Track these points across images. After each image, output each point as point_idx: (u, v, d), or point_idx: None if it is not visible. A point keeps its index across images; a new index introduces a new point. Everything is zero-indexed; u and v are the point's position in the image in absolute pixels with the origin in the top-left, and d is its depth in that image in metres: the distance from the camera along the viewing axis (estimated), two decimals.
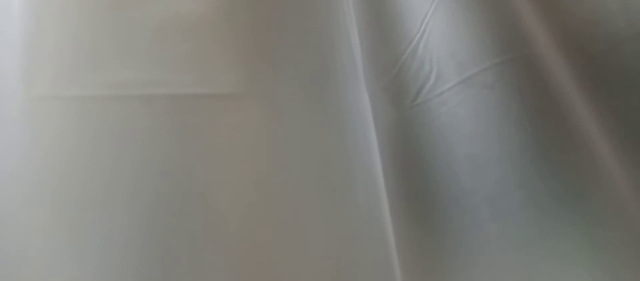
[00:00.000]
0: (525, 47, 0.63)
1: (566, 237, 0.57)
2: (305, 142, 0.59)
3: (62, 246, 0.48)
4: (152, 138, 0.52)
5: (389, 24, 0.68)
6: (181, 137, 0.53)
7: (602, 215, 0.58)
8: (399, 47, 0.66)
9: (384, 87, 0.67)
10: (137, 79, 0.53)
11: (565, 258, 0.56)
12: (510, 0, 0.65)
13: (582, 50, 0.67)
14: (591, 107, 0.64)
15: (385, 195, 0.64)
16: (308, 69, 0.61)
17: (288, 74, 0.60)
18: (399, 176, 0.65)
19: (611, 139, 0.63)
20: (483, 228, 0.60)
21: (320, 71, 0.63)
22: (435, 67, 0.64)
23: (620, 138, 0.63)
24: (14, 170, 0.50)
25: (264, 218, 0.53)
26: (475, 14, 0.63)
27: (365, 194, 0.62)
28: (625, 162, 0.62)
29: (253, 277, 0.51)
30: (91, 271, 0.48)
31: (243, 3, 0.59)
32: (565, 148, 0.60)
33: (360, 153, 0.64)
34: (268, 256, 0.53)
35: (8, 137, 0.51)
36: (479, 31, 0.63)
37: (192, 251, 0.50)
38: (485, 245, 0.59)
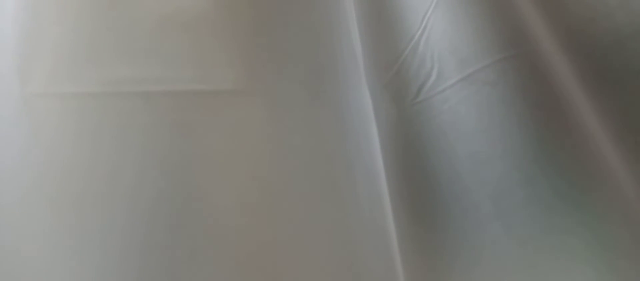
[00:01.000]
0: (527, 44, 0.63)
1: (569, 234, 0.56)
2: (306, 139, 0.58)
3: (62, 245, 0.48)
4: (151, 135, 0.51)
5: (390, 21, 0.67)
6: (181, 133, 0.52)
7: (605, 212, 0.58)
8: (400, 44, 0.66)
9: (385, 84, 0.67)
10: (136, 76, 0.53)
11: (568, 256, 0.56)
12: None
13: (583, 47, 0.67)
14: (593, 103, 0.64)
15: (387, 193, 0.64)
16: (309, 66, 0.61)
17: (289, 71, 0.59)
18: (400, 174, 0.65)
19: (614, 136, 0.63)
20: (486, 225, 0.59)
21: (321, 68, 0.62)
22: (436, 64, 0.64)
23: (623, 135, 0.63)
24: (12, 168, 0.49)
25: (264, 215, 0.53)
26: (476, 11, 0.63)
27: (366, 192, 0.62)
28: (628, 159, 0.62)
29: (253, 274, 0.51)
30: (91, 269, 0.47)
31: None
32: (568, 145, 0.59)
33: (362, 151, 0.64)
34: (268, 253, 0.52)
35: (4, 134, 0.50)
36: (481, 28, 0.63)
37: (192, 248, 0.49)
38: (488, 243, 0.59)
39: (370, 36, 0.69)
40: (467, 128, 0.62)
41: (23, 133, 0.50)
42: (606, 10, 0.67)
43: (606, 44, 0.67)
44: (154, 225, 0.49)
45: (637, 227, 0.57)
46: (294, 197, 0.55)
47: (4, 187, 0.49)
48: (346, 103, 0.64)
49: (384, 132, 0.66)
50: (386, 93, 0.67)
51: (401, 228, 0.63)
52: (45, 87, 0.51)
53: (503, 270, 0.58)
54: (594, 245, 0.56)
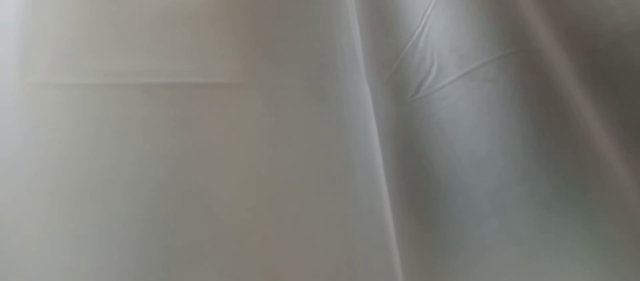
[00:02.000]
0: (527, 41, 0.63)
1: (568, 232, 0.56)
2: (305, 134, 0.58)
3: (62, 236, 0.48)
4: (151, 126, 0.51)
5: (390, 18, 0.67)
6: (180, 126, 0.52)
7: (604, 210, 0.58)
8: (400, 41, 0.66)
9: (385, 81, 0.67)
10: (136, 68, 0.53)
11: (566, 253, 0.56)
12: None
13: (583, 45, 0.67)
14: (593, 101, 0.64)
15: (386, 189, 0.64)
16: (308, 61, 0.61)
17: (288, 65, 0.59)
18: (399, 170, 0.65)
19: (613, 133, 0.63)
20: (484, 222, 0.59)
21: (320, 63, 0.62)
22: (436, 60, 0.64)
23: (622, 133, 0.63)
24: (12, 159, 0.49)
25: (262, 209, 0.53)
26: (476, 8, 0.63)
27: (365, 188, 0.62)
28: (627, 157, 0.62)
29: (252, 267, 0.50)
30: (91, 261, 0.47)
31: None
32: (567, 143, 0.59)
33: (361, 147, 0.64)
34: (267, 247, 0.52)
35: (6, 124, 0.50)
36: (481, 25, 0.63)
37: (191, 240, 0.49)
38: (486, 240, 0.59)
39: (371, 32, 0.69)
40: (467, 125, 0.62)
41: (24, 123, 0.50)
42: (607, 8, 0.67)
43: (606, 42, 0.66)
44: (153, 216, 0.49)
45: (635, 226, 0.57)
46: (292, 191, 0.55)
47: (5, 178, 0.49)
48: (346, 99, 0.64)
49: (384, 128, 0.66)
50: (386, 89, 0.67)
51: (400, 224, 0.63)
52: (46, 78, 0.51)
53: (500, 267, 0.58)
54: (591, 243, 0.56)
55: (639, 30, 0.65)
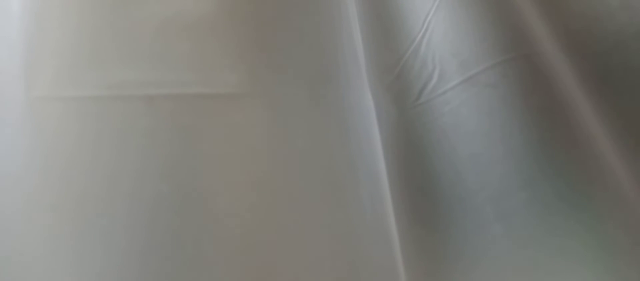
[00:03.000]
0: (528, 46, 0.63)
1: (570, 236, 0.57)
2: (308, 142, 0.58)
3: (63, 247, 0.48)
4: (153, 138, 0.51)
5: (391, 23, 0.67)
6: (183, 137, 0.52)
7: (606, 214, 0.58)
8: (401, 46, 0.66)
9: (386, 86, 0.67)
10: (138, 79, 0.53)
11: (569, 257, 0.56)
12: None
13: (584, 48, 0.67)
14: (594, 105, 0.64)
15: (389, 195, 0.64)
16: (310, 69, 0.61)
17: (290, 74, 0.59)
18: (402, 176, 0.65)
19: (615, 137, 0.63)
20: (487, 227, 0.59)
21: (322, 71, 0.62)
22: (437, 66, 0.64)
23: (624, 136, 0.63)
24: (15, 172, 0.49)
25: (265, 218, 0.53)
26: (477, 13, 0.63)
27: (368, 194, 0.62)
28: (629, 160, 0.62)
29: (255, 277, 0.51)
30: (92, 271, 0.47)
31: (245, 2, 0.59)
32: (569, 147, 0.59)
33: (363, 153, 0.64)
34: (270, 257, 0.52)
35: (9, 137, 0.50)
36: (482, 30, 0.63)
37: (193, 251, 0.49)
38: (489, 245, 0.59)
39: (372, 38, 0.69)
40: (468, 130, 0.62)
41: (27, 136, 0.50)
42: (607, 11, 0.67)
43: (607, 45, 0.67)
44: (155, 228, 0.49)
45: (638, 229, 0.57)
46: (295, 200, 0.55)
47: (7, 189, 0.49)
48: (348, 106, 0.64)
49: (386, 133, 0.66)
50: (388, 95, 0.67)
51: (403, 230, 0.63)
52: (49, 91, 0.51)
53: (504, 271, 0.58)
54: (594, 246, 0.56)
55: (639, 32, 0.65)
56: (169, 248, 0.49)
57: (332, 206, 0.58)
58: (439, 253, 0.61)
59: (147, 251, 0.48)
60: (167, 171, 0.51)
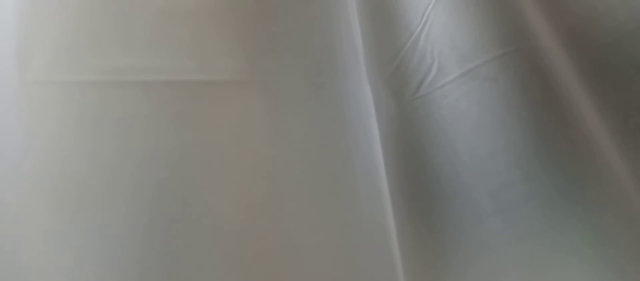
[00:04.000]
0: (527, 40, 0.63)
1: (569, 230, 0.56)
2: (306, 132, 0.58)
3: (62, 235, 0.48)
4: (151, 124, 0.51)
5: (390, 16, 0.67)
6: (181, 123, 0.52)
7: (605, 208, 0.58)
8: (400, 39, 0.66)
9: (385, 79, 0.67)
10: (137, 65, 0.53)
11: (568, 251, 0.56)
12: None
13: (583, 43, 0.67)
14: (593, 99, 0.64)
15: (387, 188, 0.64)
16: (309, 58, 0.61)
17: (289, 63, 0.59)
18: (400, 169, 0.65)
19: (613, 131, 0.63)
20: (485, 221, 0.59)
21: (321, 61, 0.62)
22: (436, 59, 0.64)
23: (622, 131, 0.63)
24: (12, 157, 0.49)
25: (262, 207, 0.53)
26: (477, 6, 0.63)
27: (365, 186, 0.62)
28: (628, 155, 0.62)
29: (252, 266, 0.50)
30: (92, 259, 0.47)
31: None
32: (568, 141, 0.59)
33: (361, 145, 0.64)
34: (267, 246, 0.52)
35: (3, 122, 0.50)
36: (481, 23, 0.63)
37: (192, 238, 0.49)
38: (487, 239, 0.59)
39: (371, 30, 0.69)
40: (467, 123, 0.62)
41: (23, 121, 0.50)
42: (607, 7, 0.67)
43: (607, 40, 0.67)
44: (154, 214, 0.49)
45: (636, 224, 0.57)
46: (292, 189, 0.55)
47: (4, 175, 0.49)
48: (346, 97, 0.64)
49: (384, 126, 0.66)
50: (387, 87, 0.67)
51: (400, 224, 0.63)
52: (45, 75, 0.51)
53: (502, 265, 0.58)
54: (592, 241, 0.56)
55: (639, 28, 0.65)
56: (168, 233, 0.49)
57: (329, 198, 0.58)
58: (437, 247, 0.61)
59: (146, 237, 0.48)
60: (165, 157, 0.51)
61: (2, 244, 0.48)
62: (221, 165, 0.53)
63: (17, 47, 0.51)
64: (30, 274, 0.46)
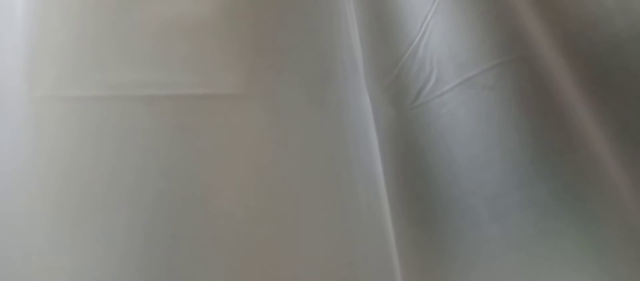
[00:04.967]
0: (525, 48, 0.63)
1: (566, 237, 0.57)
2: (306, 143, 0.59)
3: (65, 246, 0.48)
4: (154, 138, 0.52)
5: (390, 25, 0.68)
6: (183, 137, 0.53)
7: (602, 215, 0.58)
8: (400, 48, 0.67)
9: (384, 88, 0.68)
10: (139, 80, 0.53)
11: (565, 258, 0.57)
12: (510, 2, 0.66)
13: (581, 51, 0.67)
14: (591, 107, 0.64)
15: (386, 196, 0.64)
16: (309, 70, 0.62)
17: (289, 75, 0.60)
18: (399, 177, 0.65)
19: (611, 139, 0.63)
20: (483, 228, 0.60)
21: (321, 72, 0.63)
22: (435, 68, 0.64)
23: (620, 139, 0.63)
24: (19, 170, 0.50)
25: (264, 219, 0.54)
26: (475, 15, 0.64)
27: (365, 195, 0.62)
28: (625, 162, 0.62)
29: (253, 276, 0.51)
30: (93, 270, 0.48)
31: (245, 4, 0.60)
32: (565, 149, 0.60)
33: (361, 154, 0.64)
34: (269, 257, 0.53)
35: (12, 137, 0.51)
36: (480, 32, 0.63)
37: (193, 251, 0.50)
38: (485, 245, 0.59)
39: (371, 40, 0.70)
40: (465, 131, 0.62)
41: (30, 135, 0.51)
42: (605, 14, 0.67)
43: (605, 47, 0.67)
44: (156, 227, 0.50)
45: (633, 231, 0.58)
46: (293, 200, 0.56)
47: (10, 187, 0.50)
48: (346, 107, 0.64)
49: (383, 134, 0.67)
50: (386, 96, 0.67)
51: (399, 230, 0.63)
52: (51, 91, 0.52)
53: (499, 271, 0.58)
54: (589, 248, 0.57)
55: (637, 35, 0.65)
56: (169, 246, 0.49)
57: (330, 207, 0.59)
58: (435, 253, 0.62)
59: (148, 248, 0.49)
60: (168, 170, 0.52)
61: (9, 252, 0.49)
62: (222, 177, 0.53)
63: (26, 64, 0.52)
64: None
